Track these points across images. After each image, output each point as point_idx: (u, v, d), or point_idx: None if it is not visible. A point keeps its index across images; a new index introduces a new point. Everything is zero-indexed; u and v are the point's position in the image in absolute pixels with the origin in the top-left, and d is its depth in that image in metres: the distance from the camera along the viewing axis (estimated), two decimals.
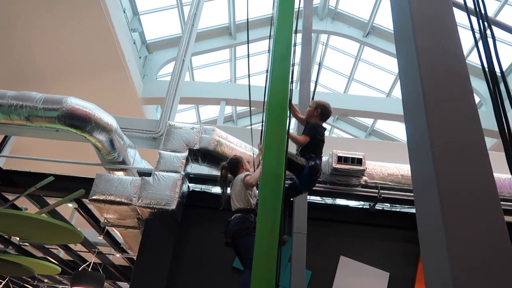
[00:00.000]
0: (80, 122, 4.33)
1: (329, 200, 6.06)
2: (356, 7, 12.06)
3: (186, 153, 4.71)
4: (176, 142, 4.80)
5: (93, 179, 5.22)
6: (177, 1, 10.54)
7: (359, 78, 13.81)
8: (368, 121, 15.18)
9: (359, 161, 4.78)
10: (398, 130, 14.94)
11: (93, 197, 4.40)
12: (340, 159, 4.78)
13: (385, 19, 11.76)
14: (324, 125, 3.49)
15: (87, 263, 6.57)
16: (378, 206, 5.18)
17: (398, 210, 5.24)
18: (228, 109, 14.77)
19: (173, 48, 11.85)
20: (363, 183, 4.99)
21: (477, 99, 11.63)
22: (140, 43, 11.31)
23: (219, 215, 5.06)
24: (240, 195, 3.45)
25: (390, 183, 4.98)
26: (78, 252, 8.04)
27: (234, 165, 3.72)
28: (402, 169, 5.04)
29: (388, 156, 5.74)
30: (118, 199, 4.36)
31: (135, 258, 8.46)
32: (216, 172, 5.54)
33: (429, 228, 1.08)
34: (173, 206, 4.32)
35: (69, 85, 8.86)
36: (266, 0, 12.00)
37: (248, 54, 4.53)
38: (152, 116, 12.39)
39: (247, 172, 3.61)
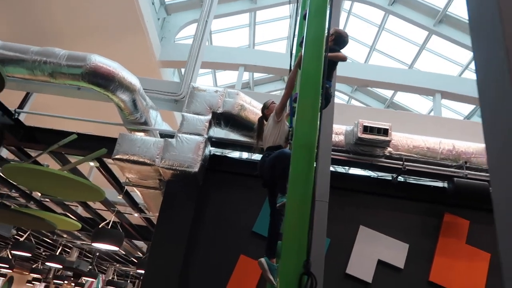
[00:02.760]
0: (103, 81, 4.26)
1: (340, 169, 5.98)
2: None
3: (209, 116, 4.65)
4: (200, 104, 4.73)
5: (115, 139, 5.23)
6: None
7: (381, 48, 13.41)
8: (387, 93, 14.87)
9: (385, 132, 4.66)
10: (418, 103, 14.65)
11: (116, 156, 4.41)
12: (366, 129, 4.67)
13: None
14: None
15: (107, 221, 6.70)
16: (400, 178, 5.11)
17: (420, 183, 5.16)
18: (245, 76, 14.57)
19: (192, 11, 11.59)
20: (387, 154, 4.90)
21: None
22: (159, 4, 11.06)
23: (239, 180, 5.09)
24: (272, 132, 3.44)
25: (415, 156, 4.88)
26: (97, 210, 8.21)
27: (264, 108, 3.82)
28: (429, 141, 4.92)
29: (411, 128, 5.61)
30: (141, 159, 4.36)
31: (152, 218, 8.63)
32: (235, 137, 5.49)
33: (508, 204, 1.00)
34: (196, 169, 4.30)
35: (87, 45, 8.75)
36: None
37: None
38: (169, 79, 12.29)
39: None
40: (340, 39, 3.46)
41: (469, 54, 11.71)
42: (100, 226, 6.56)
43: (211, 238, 4.75)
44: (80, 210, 9.00)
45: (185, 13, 11.60)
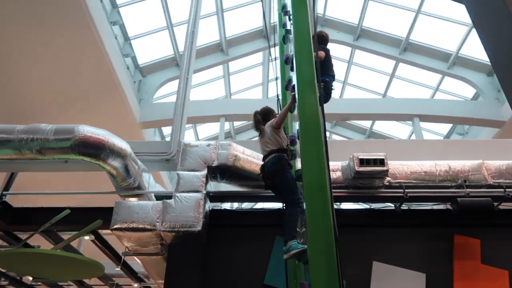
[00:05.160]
0: (94, 150, 4.17)
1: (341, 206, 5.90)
2: (344, 12, 12.17)
3: (205, 171, 4.57)
4: (194, 161, 4.66)
5: (108, 208, 5.06)
6: (167, 22, 10.52)
7: (353, 82, 13.86)
8: (365, 123, 15.19)
9: (381, 162, 4.67)
10: (396, 130, 14.98)
11: (115, 226, 4.22)
12: (362, 162, 4.67)
13: (374, 21, 11.88)
14: None
15: None
16: (404, 206, 5.06)
17: (424, 208, 5.13)
18: (226, 125, 14.70)
19: (166, 70, 11.81)
20: (387, 184, 4.88)
21: (473, 91, 11.70)
22: (133, 67, 11.23)
23: (243, 232, 4.94)
24: (271, 138, 3.74)
25: (414, 181, 4.88)
26: (93, 287, 7.78)
27: (265, 113, 4.08)
28: (425, 165, 4.95)
29: (396, 155, 5.63)
30: (141, 226, 4.19)
31: (153, 287, 8.22)
32: (231, 188, 5.39)
33: None
34: (199, 227, 4.15)
35: (68, 117, 8.70)
36: (254, 14, 12.08)
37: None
38: (151, 139, 12.24)
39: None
40: (320, 37, 4.10)
41: (437, 76, 12.21)
42: None
43: None
44: None
45: (160, 73, 11.80)
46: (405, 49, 11.78)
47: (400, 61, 11.99)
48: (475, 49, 11.03)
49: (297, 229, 3.23)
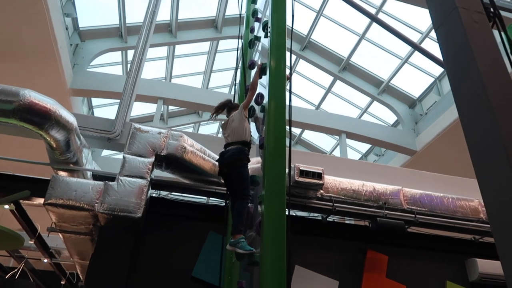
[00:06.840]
0: (38, 118, 3.91)
1: None
2: (296, 21, 12.56)
3: (152, 159, 4.51)
4: (142, 146, 4.57)
5: (36, 179, 4.80)
6: None
7: (292, 89, 14.35)
8: (295, 130, 15.84)
9: (319, 175, 5.03)
10: (322, 141, 15.88)
11: (49, 201, 4.00)
12: (302, 173, 4.99)
13: (321, 36, 12.46)
14: None
15: (15, 270, 5.88)
16: (329, 218, 5.50)
17: (346, 222, 5.62)
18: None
19: (108, 39, 11.21)
20: (319, 196, 5.26)
21: (394, 118, 12.87)
22: (72, 29, 10.48)
23: (177, 223, 4.98)
24: (238, 129, 3.72)
25: (343, 197, 5.32)
26: None
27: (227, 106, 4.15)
28: (354, 184, 5.43)
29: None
30: (78, 204, 4.02)
31: (62, 263, 7.83)
32: (172, 176, 5.39)
33: None
34: (139, 214, 4.11)
35: None
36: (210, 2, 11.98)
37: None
38: (79, 108, 11.53)
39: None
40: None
41: (367, 99, 13.20)
42: (6, 277, 5.74)
43: (150, 284, 4.52)
44: None
45: (101, 41, 11.16)
46: (344, 68, 12.55)
47: (338, 78, 12.73)
48: (404, 82, 12.16)
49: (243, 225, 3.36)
